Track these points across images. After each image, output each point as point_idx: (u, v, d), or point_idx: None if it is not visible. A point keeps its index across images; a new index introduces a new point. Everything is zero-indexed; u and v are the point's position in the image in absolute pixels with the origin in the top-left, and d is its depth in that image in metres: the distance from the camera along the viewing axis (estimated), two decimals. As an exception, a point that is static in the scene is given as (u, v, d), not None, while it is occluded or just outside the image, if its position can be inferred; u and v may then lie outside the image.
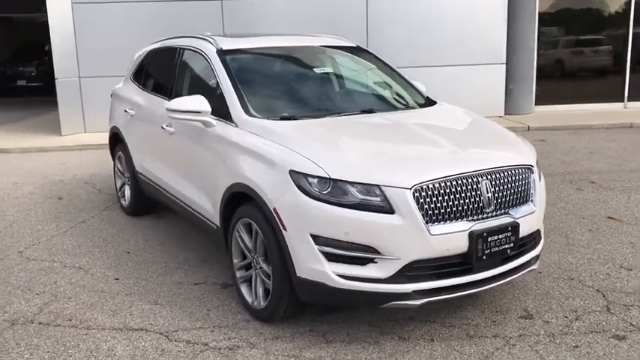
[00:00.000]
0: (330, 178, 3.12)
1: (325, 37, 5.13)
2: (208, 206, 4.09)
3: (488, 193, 3.24)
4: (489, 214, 3.24)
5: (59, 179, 7.55)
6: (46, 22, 10.45)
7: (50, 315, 3.78)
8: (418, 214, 3.05)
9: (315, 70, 4.72)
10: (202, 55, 4.49)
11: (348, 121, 3.94)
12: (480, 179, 3.23)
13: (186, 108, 3.98)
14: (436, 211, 3.11)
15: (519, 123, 10.53)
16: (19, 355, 3.31)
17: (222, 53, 4.35)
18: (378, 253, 3.07)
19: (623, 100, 12.12)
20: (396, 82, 4.75)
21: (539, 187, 3.57)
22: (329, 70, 4.73)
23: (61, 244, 5.13)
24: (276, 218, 3.26)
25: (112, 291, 4.14)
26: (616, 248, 4.75)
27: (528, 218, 3.41)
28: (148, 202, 5.74)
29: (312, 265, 3.16)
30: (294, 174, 3.21)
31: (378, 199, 3.07)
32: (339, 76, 4.77)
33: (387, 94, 4.66)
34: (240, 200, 3.69)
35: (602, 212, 5.68)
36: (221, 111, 4.00)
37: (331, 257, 3.13)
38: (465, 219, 3.17)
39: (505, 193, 3.32)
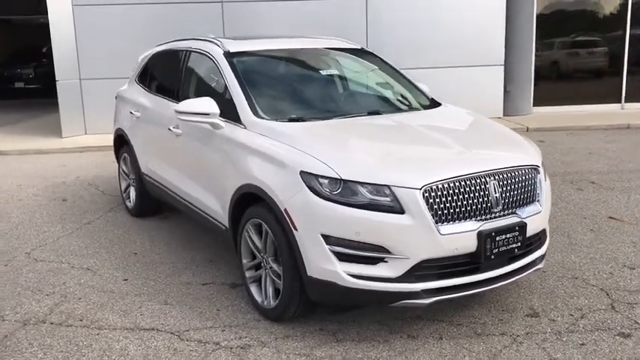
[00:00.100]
0: (341, 179, 3.16)
1: (330, 40, 5.18)
2: (217, 207, 4.13)
3: (495, 193, 3.29)
4: (497, 214, 3.29)
5: (62, 181, 7.58)
6: (44, 23, 10.49)
7: (61, 315, 3.81)
8: (428, 214, 3.10)
9: (321, 72, 4.77)
10: (209, 57, 4.53)
11: (356, 122, 3.99)
12: (487, 179, 3.29)
13: (195, 110, 4.02)
14: (445, 211, 3.16)
15: (518, 124, 10.60)
16: (32, 355, 3.34)
17: (229, 55, 4.39)
18: (388, 252, 3.12)
19: (620, 102, 12.21)
20: (401, 84, 4.81)
21: (544, 188, 3.63)
22: (335, 72, 4.78)
23: (68, 245, 5.16)
24: (287, 219, 3.30)
25: (121, 291, 4.17)
26: (618, 247, 4.81)
27: (535, 218, 3.46)
28: (153, 204, 5.78)
29: (323, 264, 3.20)
30: (304, 175, 3.26)
31: (388, 199, 3.12)
32: (344, 78, 4.82)
33: (392, 95, 4.71)
34: (250, 201, 3.73)
35: (603, 212, 5.74)
36: (229, 113, 4.04)
37: (342, 257, 3.17)
38: (473, 219, 3.22)
39: (512, 193, 3.38)
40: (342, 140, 3.65)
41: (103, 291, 4.19)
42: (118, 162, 6.27)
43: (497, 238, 3.24)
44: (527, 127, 10.43)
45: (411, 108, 4.49)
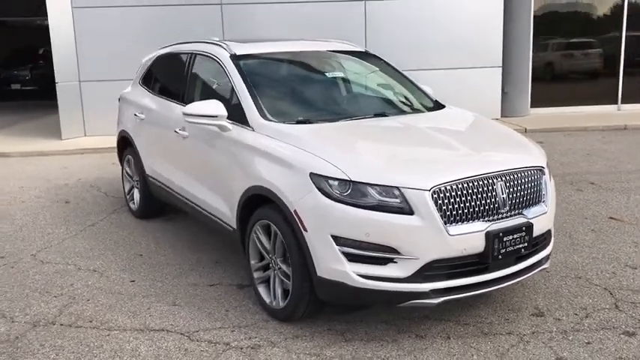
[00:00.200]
0: (351, 181, 3.20)
1: (334, 42, 5.23)
2: (224, 209, 4.16)
3: (503, 194, 3.34)
4: (504, 215, 3.34)
5: (64, 183, 7.59)
6: (41, 25, 10.52)
7: (71, 317, 3.84)
8: (437, 215, 3.14)
9: (326, 74, 4.81)
10: (215, 60, 4.57)
11: (362, 124, 4.03)
12: (495, 181, 3.33)
13: (203, 112, 4.05)
14: (454, 212, 3.20)
15: (516, 125, 10.66)
16: (44, 356, 3.36)
17: (235, 58, 4.43)
18: (397, 253, 3.16)
19: (616, 103, 12.31)
20: (405, 86, 4.85)
21: (550, 188, 3.68)
22: (340, 74, 4.82)
23: (73, 247, 5.18)
24: (297, 220, 3.34)
25: (129, 293, 4.20)
26: (619, 247, 4.86)
27: (540, 218, 3.51)
28: (156, 205, 5.81)
29: (333, 265, 3.24)
30: (314, 177, 3.29)
31: (398, 200, 3.16)
32: (349, 81, 4.86)
33: (397, 97, 4.76)
34: (258, 202, 3.77)
35: (603, 212, 5.80)
36: (236, 115, 4.07)
37: (352, 257, 3.21)
38: (481, 219, 3.26)
39: (519, 194, 3.43)
40: (350, 142, 3.69)
41: (110, 292, 4.21)
42: (122, 164, 6.29)
43: (505, 239, 3.28)
44: (526, 129, 10.49)
45: (415, 110, 4.54)
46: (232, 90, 4.23)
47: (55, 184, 7.56)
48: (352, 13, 10.91)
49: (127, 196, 6.14)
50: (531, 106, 11.95)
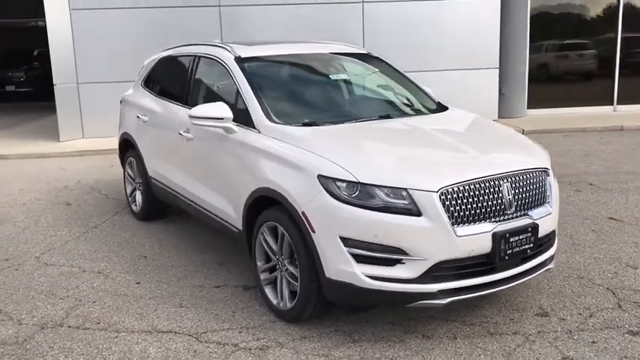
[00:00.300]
0: (359, 182, 3.23)
1: (336, 44, 5.26)
2: (230, 210, 4.18)
3: (509, 195, 3.38)
4: (510, 216, 3.38)
5: (63, 185, 7.58)
6: (35, 27, 10.51)
7: (78, 319, 3.85)
8: (445, 216, 3.17)
9: (330, 76, 4.84)
10: (220, 62, 4.59)
11: (368, 126, 4.06)
12: (501, 182, 3.37)
13: (209, 115, 4.07)
14: (461, 213, 3.23)
15: (514, 126, 10.68)
16: (54, 358, 3.37)
17: (240, 61, 4.45)
18: (406, 254, 3.19)
19: (612, 104, 12.40)
20: (408, 88, 4.89)
21: (554, 190, 3.72)
22: (344, 76, 4.85)
23: (77, 249, 5.19)
24: (305, 221, 3.36)
25: (135, 295, 4.21)
26: (620, 247, 4.91)
27: (546, 219, 3.55)
28: (159, 207, 5.82)
29: (341, 266, 3.27)
30: (322, 178, 3.32)
31: (406, 201, 3.19)
32: (353, 83, 4.89)
33: (400, 99, 4.79)
34: (265, 204, 3.79)
35: (603, 213, 5.85)
36: (242, 117, 4.10)
37: (360, 258, 3.24)
38: (488, 220, 3.30)
39: (524, 195, 3.47)
40: (357, 144, 3.72)
41: (116, 294, 4.22)
42: (123, 166, 6.29)
43: (511, 240, 3.32)
44: (523, 130, 10.54)
45: (420, 112, 4.57)
46: (237, 92, 4.25)
47: (55, 186, 7.56)
48: (350, 15, 10.95)
49: (129, 198, 6.14)
50: (528, 108, 12.03)
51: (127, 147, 6.05)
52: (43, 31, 10.36)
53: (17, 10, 18.27)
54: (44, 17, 10.36)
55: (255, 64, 4.49)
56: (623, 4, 12.09)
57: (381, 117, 4.25)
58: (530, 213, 3.48)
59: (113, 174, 8.10)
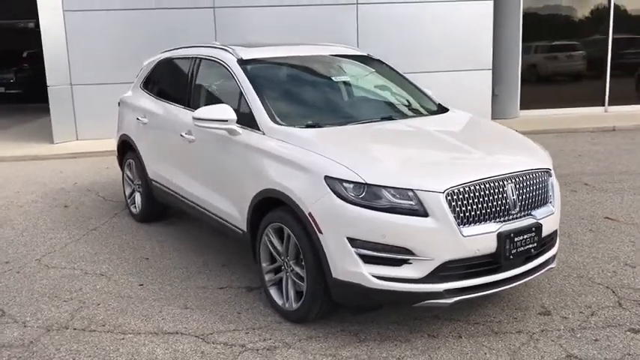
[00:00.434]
0: (366, 183, 3.26)
1: (336, 46, 5.29)
2: (234, 212, 4.19)
3: (513, 195, 3.42)
4: (515, 216, 3.42)
5: (60, 187, 7.56)
6: (25, 28, 10.43)
7: (83, 321, 3.84)
8: (451, 217, 3.21)
9: (332, 78, 4.86)
10: (222, 64, 4.60)
11: (371, 128, 4.09)
12: (505, 183, 3.41)
13: (212, 117, 4.08)
14: (467, 214, 3.27)
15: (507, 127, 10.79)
16: (61, 360, 3.38)
17: (242, 63, 4.47)
18: (412, 254, 3.22)
19: (604, 105, 12.53)
20: (408, 89, 4.93)
21: (556, 190, 3.77)
22: (346, 78, 4.88)
23: (77, 251, 5.18)
24: (312, 222, 3.38)
25: (138, 296, 4.21)
26: (618, 247, 4.97)
27: (548, 219, 3.60)
28: (158, 209, 5.82)
29: (348, 266, 3.29)
30: (329, 179, 3.34)
31: (412, 202, 3.22)
32: (354, 85, 4.93)
33: (401, 101, 4.82)
34: (270, 206, 3.81)
35: (599, 213, 5.92)
36: (245, 119, 4.11)
37: (367, 259, 3.27)
38: (493, 220, 3.34)
39: (528, 196, 3.51)
40: (362, 145, 3.74)
41: (120, 296, 4.22)
42: (122, 168, 6.28)
43: (516, 239, 3.36)
44: (516, 131, 10.61)
45: (421, 113, 4.61)
46: (240, 94, 4.27)
47: (52, 188, 7.53)
48: (344, 17, 10.98)
49: (128, 200, 6.14)
50: (521, 108, 12.13)
51: (126, 149, 6.04)
52: (33, 32, 10.35)
53: (6, 12, 18.16)
54: (34, 19, 10.32)
55: (258, 66, 4.51)
56: (614, 6, 12.22)
57: (384, 118, 4.29)
58: (533, 213, 3.52)
59: (109, 176, 8.09)
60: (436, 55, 11.26)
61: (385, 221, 3.21)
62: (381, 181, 3.26)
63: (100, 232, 5.70)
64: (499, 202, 3.37)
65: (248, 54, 4.58)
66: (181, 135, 4.76)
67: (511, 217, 3.40)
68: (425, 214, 3.21)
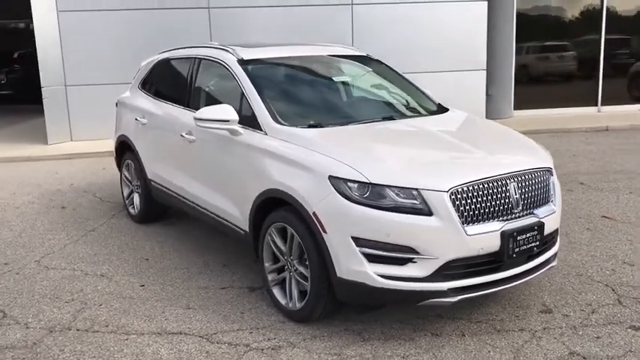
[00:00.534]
0: (371, 183, 3.27)
1: (336, 47, 5.31)
2: (235, 212, 4.20)
3: (516, 194, 3.45)
4: (517, 215, 3.45)
5: (56, 188, 7.53)
6: (16, 29, 10.36)
7: (86, 322, 3.84)
8: (455, 216, 3.23)
9: (332, 78, 4.88)
10: (222, 64, 4.60)
11: (373, 127, 4.10)
12: (508, 182, 3.44)
13: (214, 117, 4.08)
14: (471, 213, 3.29)
15: (501, 127, 10.86)
16: (66, 361, 3.37)
17: (243, 63, 4.47)
18: (417, 253, 3.24)
19: (597, 105, 12.63)
20: (408, 90, 4.95)
21: (557, 189, 3.80)
22: (346, 78, 4.90)
23: (76, 252, 5.16)
24: (316, 222, 3.39)
25: (140, 297, 4.21)
26: (615, 245, 5.02)
27: (550, 218, 3.63)
28: (157, 210, 5.81)
29: (353, 265, 3.31)
30: (333, 179, 3.36)
31: (417, 201, 3.24)
32: (354, 85, 4.94)
33: (401, 101, 4.84)
34: (272, 206, 3.81)
35: (595, 212, 5.97)
36: (247, 119, 4.12)
37: (372, 258, 3.28)
38: (496, 219, 3.36)
39: (530, 194, 3.54)
40: (365, 145, 3.76)
41: (122, 297, 4.22)
42: (120, 169, 6.26)
43: (519, 238, 3.39)
44: (511, 130, 10.69)
45: (421, 113, 4.62)
46: (242, 94, 4.27)
47: (47, 189, 7.49)
48: (339, 18, 11.00)
49: (126, 201, 6.12)
50: (514, 109, 12.20)
51: (124, 150, 6.03)
52: (24, 32, 10.30)
53: (-2, 12, 18.08)
54: (25, 19, 10.27)
55: (258, 67, 4.51)
56: (607, 7, 12.32)
57: (385, 118, 4.31)
58: (535, 212, 3.55)
59: (105, 177, 8.06)
60: (431, 55, 11.30)
61: (390, 220, 3.22)
62: (385, 180, 3.28)
63: (99, 233, 5.69)
64: (502, 201, 3.39)
65: (249, 54, 4.59)
66: (182, 135, 4.76)
67: (514, 215, 3.43)
68: (429, 213, 3.23)
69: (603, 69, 12.55)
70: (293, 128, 3.91)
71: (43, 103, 10.41)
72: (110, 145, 6.36)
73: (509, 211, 3.41)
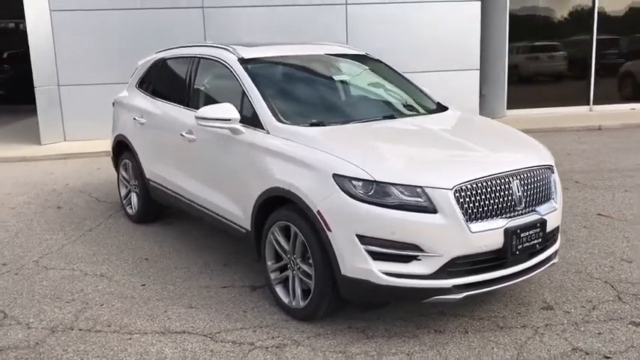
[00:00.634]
0: (375, 181, 3.28)
1: (335, 46, 5.33)
2: (237, 211, 4.19)
3: (518, 192, 3.47)
4: (520, 212, 3.47)
5: (51, 189, 7.48)
6: (5, 29, 10.28)
7: (88, 322, 3.82)
8: (459, 213, 3.25)
9: (333, 77, 4.89)
10: (222, 63, 4.60)
11: (375, 126, 4.11)
12: (511, 179, 3.46)
13: (215, 116, 4.08)
14: (475, 210, 3.31)
15: (495, 126, 10.91)
16: (70, 361, 3.36)
17: (243, 62, 4.47)
18: (421, 250, 3.25)
19: (588, 104, 12.73)
20: (408, 88, 4.97)
21: (558, 186, 3.83)
22: (346, 77, 4.90)
23: (75, 252, 5.13)
24: (320, 220, 3.40)
25: (142, 297, 4.19)
26: (613, 243, 5.06)
27: (552, 215, 3.66)
28: (155, 210, 5.80)
29: (358, 263, 3.31)
30: (337, 177, 3.36)
31: (421, 199, 3.25)
32: (354, 84, 4.95)
33: (401, 99, 4.85)
34: (275, 204, 3.82)
35: (591, 210, 6.01)
36: (248, 118, 4.12)
37: (376, 256, 3.29)
38: (500, 217, 3.38)
39: (532, 192, 3.57)
40: (368, 143, 3.77)
41: (123, 297, 4.20)
42: (117, 169, 6.24)
43: (522, 235, 3.41)
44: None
45: (421, 112, 4.64)
46: (243, 93, 4.27)
47: (43, 189, 7.45)
48: (333, 17, 11.02)
49: (124, 201, 6.09)
50: (507, 108, 12.27)
51: (122, 149, 6.00)
52: (14, 32, 10.21)
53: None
54: (15, 19, 10.20)
55: (259, 65, 4.51)
56: (598, 7, 12.42)
57: (386, 117, 4.32)
58: (537, 209, 3.58)
59: (100, 177, 8.03)
60: (425, 55, 11.34)
61: (394, 218, 3.23)
62: (390, 178, 3.29)
63: (97, 233, 5.66)
64: (505, 199, 3.41)
65: (249, 53, 4.59)
66: (181, 134, 4.75)
67: (517, 213, 3.45)
68: (434, 211, 3.24)
69: (595, 69, 12.65)
70: (295, 127, 3.91)
71: (36, 104, 10.33)
72: (105, 145, 6.34)
73: (512, 209, 3.44)
